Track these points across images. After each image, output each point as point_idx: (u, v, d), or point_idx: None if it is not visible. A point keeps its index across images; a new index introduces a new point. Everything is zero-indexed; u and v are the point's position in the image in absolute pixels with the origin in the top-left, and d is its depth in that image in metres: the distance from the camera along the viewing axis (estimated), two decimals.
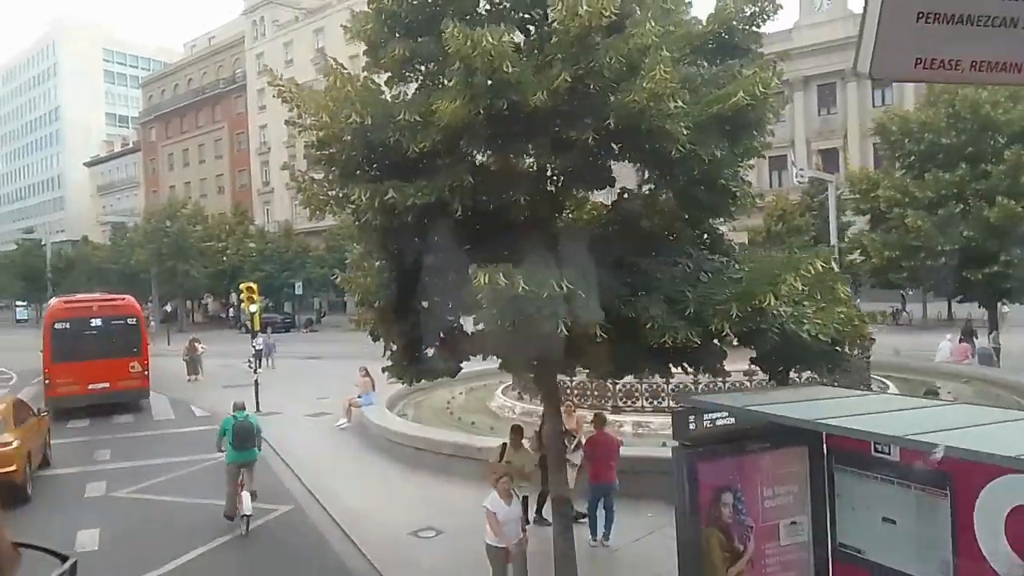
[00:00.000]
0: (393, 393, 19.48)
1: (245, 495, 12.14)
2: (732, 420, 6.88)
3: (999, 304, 26.97)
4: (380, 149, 8.00)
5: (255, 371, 23.27)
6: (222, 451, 12.79)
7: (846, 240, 31.21)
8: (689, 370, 8.26)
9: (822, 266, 6.75)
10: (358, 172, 8.35)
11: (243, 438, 12.47)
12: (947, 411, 6.90)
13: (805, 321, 7.32)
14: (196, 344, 30.65)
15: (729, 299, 6.90)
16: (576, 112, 6.92)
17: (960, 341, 25.41)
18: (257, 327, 24.80)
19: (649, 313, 7.09)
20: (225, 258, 60.69)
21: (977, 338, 26.01)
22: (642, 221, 8.59)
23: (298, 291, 59.74)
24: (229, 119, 78.51)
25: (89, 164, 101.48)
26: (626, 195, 9.12)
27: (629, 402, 16.72)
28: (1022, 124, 24.48)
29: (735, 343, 7.94)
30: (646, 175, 8.69)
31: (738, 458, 6.98)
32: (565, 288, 6.72)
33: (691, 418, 6.78)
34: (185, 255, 59.93)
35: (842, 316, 7.60)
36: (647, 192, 8.87)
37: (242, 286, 23.95)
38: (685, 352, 7.33)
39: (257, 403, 21.53)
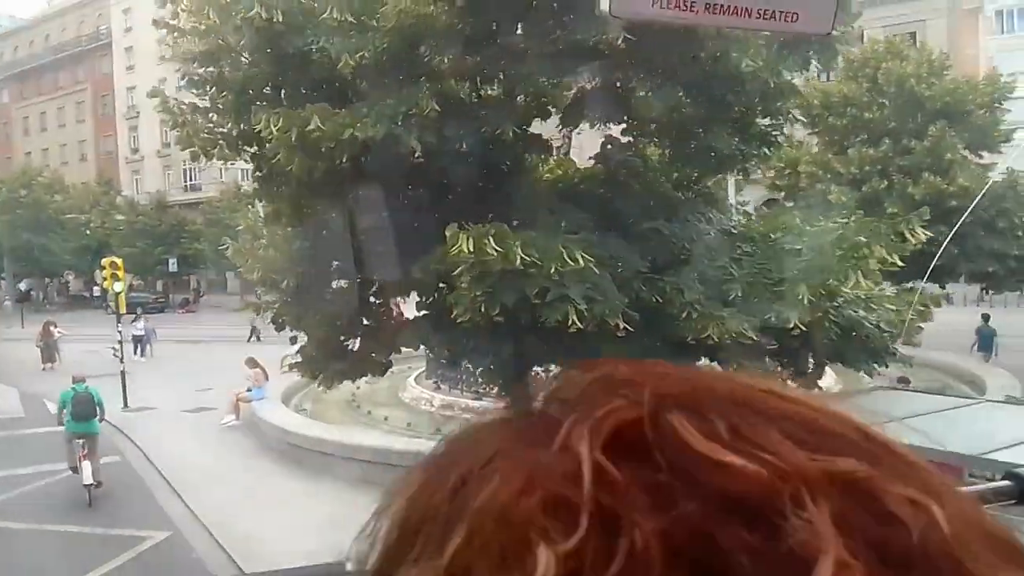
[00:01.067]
0: (289, 384, 16.98)
1: (86, 464, 12.14)
2: None
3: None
4: (295, 63, 5.65)
5: (121, 359, 20.09)
6: (62, 424, 12.90)
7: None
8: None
9: (925, 235, 5.01)
10: (261, 99, 5.98)
11: (81, 409, 12.71)
12: None
13: (875, 306, 5.56)
14: (52, 328, 27.17)
15: (795, 279, 5.03)
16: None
17: None
18: (123, 309, 21.52)
19: (684, 297, 5.13)
20: (89, 232, 55.64)
21: None
22: (635, 178, 6.59)
23: (172, 268, 55.57)
24: (93, 80, 72.03)
25: None
26: (610, 145, 7.09)
27: None
28: (944, 100, 24.10)
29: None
30: (629, 122, 6.69)
31: None
32: (581, 260, 4.65)
33: None
34: (43, 228, 54.73)
35: (909, 300, 5.92)
36: (628, 142, 6.88)
37: (104, 262, 20.69)
38: (726, 347, 5.44)
39: (124, 397, 18.63)
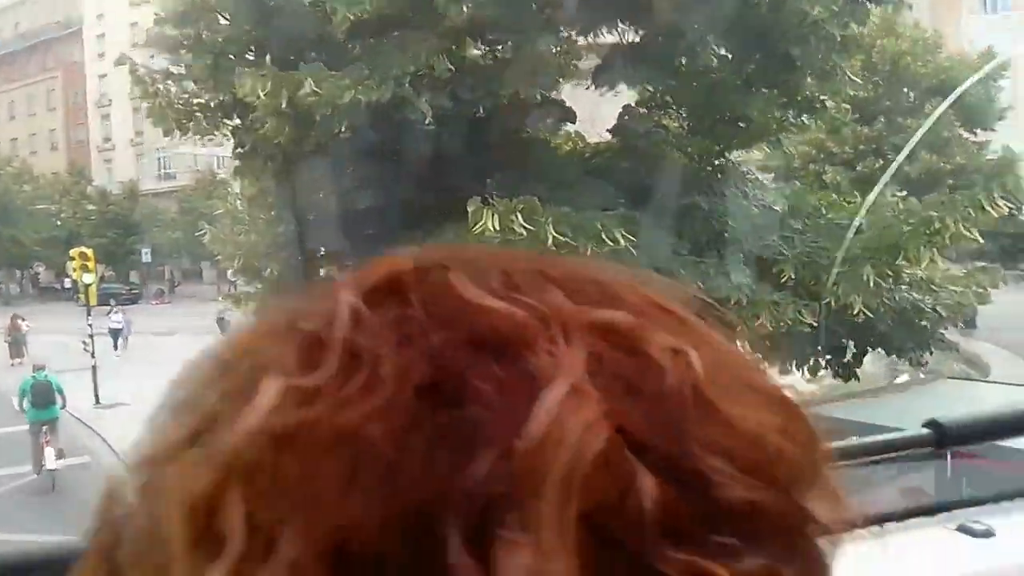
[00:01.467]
0: None
1: (48, 450, 12.48)
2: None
3: None
4: (283, 21, 4.96)
5: (92, 354, 19.23)
6: (23, 411, 13.21)
7: None
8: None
9: (1007, 206, 4.44)
10: (243, 64, 5.28)
11: (41, 397, 13.01)
12: None
13: (937, 288, 4.98)
14: (19, 321, 26.38)
15: (857, 258, 4.43)
16: None
17: None
18: (94, 301, 20.65)
19: (730, 280, 4.52)
20: (60, 222, 54.45)
21: None
22: (659, 149, 5.94)
23: (146, 258, 54.62)
24: (63, 68, 70.44)
25: None
26: (627, 116, 6.43)
27: None
28: (939, 77, 23.69)
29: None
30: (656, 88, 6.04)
31: None
32: (622, 240, 4.03)
33: None
34: (11, 218, 53.54)
35: (975, 282, 5.35)
36: (645, 112, 6.24)
37: (73, 252, 19.83)
38: (780, 337, 4.83)
39: (96, 393, 17.85)
